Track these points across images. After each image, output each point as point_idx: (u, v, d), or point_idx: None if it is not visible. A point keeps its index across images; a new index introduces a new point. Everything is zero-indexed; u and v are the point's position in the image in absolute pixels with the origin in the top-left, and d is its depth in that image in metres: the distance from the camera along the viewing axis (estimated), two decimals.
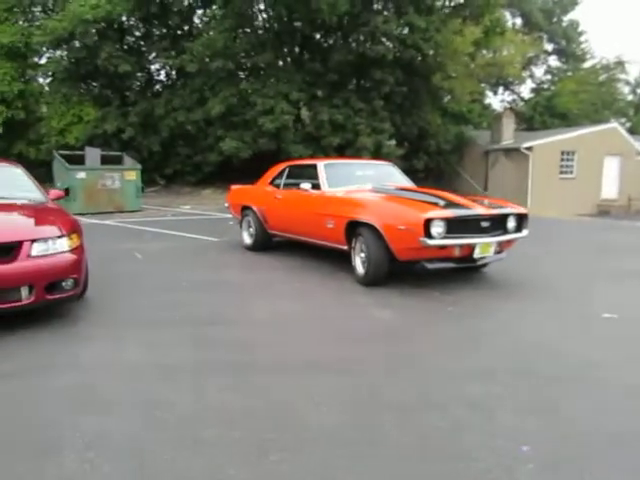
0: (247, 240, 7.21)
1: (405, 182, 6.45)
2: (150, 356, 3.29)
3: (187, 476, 2.03)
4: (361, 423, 2.45)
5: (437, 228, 4.60)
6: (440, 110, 24.38)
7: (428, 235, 4.57)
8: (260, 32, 18.93)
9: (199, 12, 21.09)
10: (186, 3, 20.81)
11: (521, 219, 5.32)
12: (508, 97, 32.06)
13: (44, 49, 19.18)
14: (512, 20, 27.33)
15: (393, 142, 21.34)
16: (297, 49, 20.36)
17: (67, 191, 11.76)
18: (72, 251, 3.92)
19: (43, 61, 20.28)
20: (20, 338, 3.53)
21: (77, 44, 18.14)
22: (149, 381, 2.90)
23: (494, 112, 25.34)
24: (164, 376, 2.97)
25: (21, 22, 19.66)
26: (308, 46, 20.57)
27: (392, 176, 6.50)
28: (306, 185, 5.89)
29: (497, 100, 39.05)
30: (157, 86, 21.59)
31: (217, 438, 2.29)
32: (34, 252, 3.69)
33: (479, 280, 5.52)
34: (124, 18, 19.50)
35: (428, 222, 4.54)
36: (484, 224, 4.90)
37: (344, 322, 4.05)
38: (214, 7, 19.10)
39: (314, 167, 6.16)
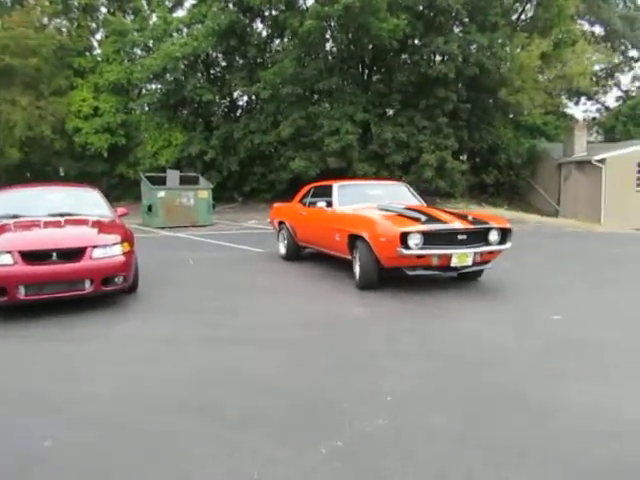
0: (282, 250, 8.36)
1: (413, 201, 7.25)
2: (166, 332, 4.49)
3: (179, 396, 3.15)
4: (287, 374, 3.43)
5: (414, 240, 5.42)
6: (512, 124, 24.27)
7: (405, 246, 5.41)
8: (327, 58, 20.27)
9: (276, 42, 22.96)
10: (264, 34, 22.85)
11: (505, 233, 5.95)
12: (591, 107, 30.87)
13: (142, 84, 21.92)
14: (590, 29, 26.53)
15: (463, 157, 21.70)
16: (362, 72, 21.48)
17: (150, 207, 13.75)
18: (123, 255, 5.27)
19: (140, 92, 23.18)
20: (82, 317, 4.90)
21: (168, 78, 20.60)
22: (156, 348, 4.09)
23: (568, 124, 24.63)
24: (168, 344, 4.15)
25: (125, 62, 22.67)
26: (372, 68, 21.65)
27: (402, 195, 7.33)
28: (321, 203, 6.94)
29: (579, 110, 37.43)
30: (238, 111, 23.70)
31: (191, 382, 3.40)
32: (95, 255, 5.06)
33: (467, 288, 6.19)
34: (210, 52, 21.83)
35: (404, 235, 5.38)
36: (460, 237, 5.62)
37: (321, 315, 5.03)
38: (285, 39, 20.78)
39: (330, 188, 7.18)
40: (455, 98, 19.68)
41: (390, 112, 21.35)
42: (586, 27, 26.27)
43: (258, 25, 22.12)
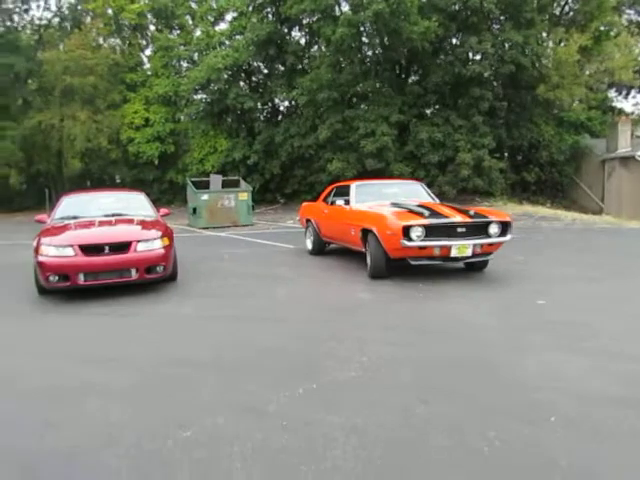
0: (309, 246, 9.10)
1: (427, 198, 7.80)
2: (196, 312, 5.33)
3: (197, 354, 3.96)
4: (287, 342, 4.16)
5: (416, 232, 6.03)
6: (555, 120, 23.98)
7: (408, 238, 6.01)
8: (362, 62, 20.89)
9: (314, 48, 23.79)
10: (302, 42, 23.77)
11: (505, 226, 6.43)
12: None
13: (188, 95, 23.31)
14: (637, 19, 25.69)
15: (502, 156, 21.67)
16: (398, 74, 21.95)
17: (195, 210, 14.85)
18: (163, 248, 6.16)
19: (187, 103, 24.60)
20: (129, 299, 5.82)
21: (212, 88, 21.84)
22: (187, 322, 4.92)
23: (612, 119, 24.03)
24: (196, 320, 4.97)
25: (172, 75, 24.17)
26: (409, 70, 22.08)
27: (417, 193, 7.90)
28: (340, 201, 7.63)
29: (629, 104, 36.01)
30: (279, 117, 24.71)
31: (211, 346, 4.19)
32: (139, 248, 5.98)
33: (470, 278, 6.70)
34: (251, 61, 22.94)
35: (406, 228, 6.00)
36: (460, 230, 6.17)
37: (329, 299, 5.74)
38: (322, 47, 21.57)
39: (349, 187, 7.86)
40: (491, 96, 19.82)
41: (426, 112, 21.69)
42: (632, 17, 25.52)
43: (296, 34, 23.06)
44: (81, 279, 5.71)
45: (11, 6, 26.54)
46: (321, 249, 8.82)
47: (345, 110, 20.37)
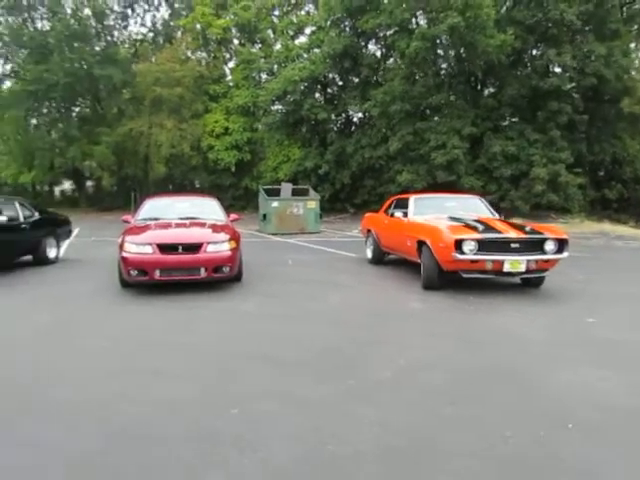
0: (369, 255, 9.41)
1: (486, 213, 7.86)
2: (255, 309, 5.82)
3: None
4: (333, 342, 4.52)
5: (468, 246, 6.17)
6: None
7: (460, 251, 6.18)
8: (436, 75, 20.92)
9: (389, 61, 24.10)
10: (378, 54, 24.18)
11: (562, 243, 6.42)
12: None
13: (266, 105, 24.41)
14: None
15: (581, 171, 20.81)
16: (473, 86, 21.74)
17: (265, 216, 15.60)
18: (230, 250, 6.73)
19: (264, 113, 25.74)
20: (197, 294, 6.42)
21: (288, 99, 22.75)
22: (244, 318, 5.41)
23: None
24: (253, 317, 5.45)
25: (252, 87, 25.41)
26: (482, 83, 21.81)
27: (475, 208, 7.98)
28: (399, 213, 7.89)
29: None
30: (352, 128, 25.22)
31: (263, 340, 4.65)
32: (209, 249, 6.58)
33: (525, 293, 6.72)
34: (327, 73, 23.66)
35: (459, 242, 6.16)
36: (514, 245, 6.24)
37: (381, 307, 6.02)
38: (398, 60, 21.84)
39: (408, 200, 8.10)
40: (570, 110, 19.17)
41: (501, 125, 21.31)
42: None
43: (371, 47, 23.51)
44: (157, 274, 6.39)
45: (112, 23, 29.15)
46: (380, 259, 9.09)
47: (417, 122, 20.49)
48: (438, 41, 19.25)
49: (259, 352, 4.31)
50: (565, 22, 17.84)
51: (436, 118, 21.09)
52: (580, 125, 20.15)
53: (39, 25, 27.38)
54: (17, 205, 8.74)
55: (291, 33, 25.90)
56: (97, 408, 3.22)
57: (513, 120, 21.01)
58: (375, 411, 3.17)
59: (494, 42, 17.53)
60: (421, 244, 6.95)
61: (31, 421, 3.04)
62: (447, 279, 6.74)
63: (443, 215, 7.52)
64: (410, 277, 7.70)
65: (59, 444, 2.79)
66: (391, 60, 23.87)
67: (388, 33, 21.58)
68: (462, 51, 19.10)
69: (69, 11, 26.54)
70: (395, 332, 4.93)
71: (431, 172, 20.06)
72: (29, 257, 8.92)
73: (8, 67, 28.07)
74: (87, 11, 27.17)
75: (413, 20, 20.94)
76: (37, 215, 9.10)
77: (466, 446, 2.75)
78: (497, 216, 7.94)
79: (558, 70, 19.14)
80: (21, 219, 8.58)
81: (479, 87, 22.08)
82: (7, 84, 28.04)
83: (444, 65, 21.10)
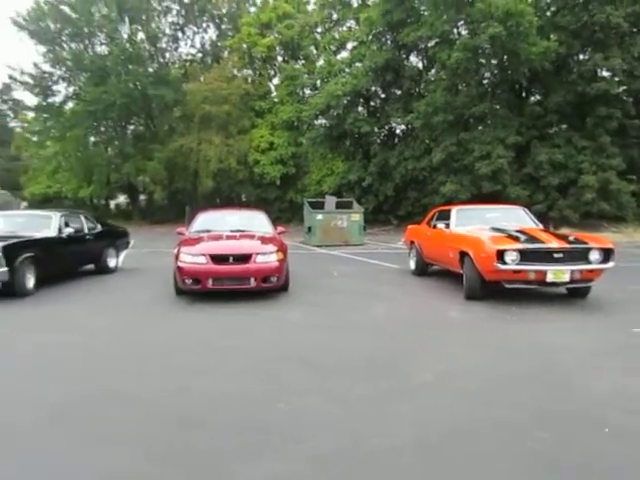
0: (412, 266, 9.55)
1: (529, 223, 7.88)
2: (299, 318, 6.12)
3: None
4: (373, 351, 4.74)
5: (510, 257, 6.26)
6: None
7: (502, 262, 6.27)
8: (479, 85, 20.84)
9: (431, 72, 24.18)
10: (420, 66, 24.32)
11: (607, 253, 6.39)
12: None
13: (309, 120, 24.97)
14: None
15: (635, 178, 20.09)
16: (517, 95, 21.50)
17: (310, 228, 15.97)
18: (278, 261, 7.07)
19: (308, 127, 26.30)
20: (246, 303, 6.78)
21: (332, 113, 23.19)
22: (288, 326, 5.72)
23: None
24: (296, 325, 5.75)
25: (296, 102, 26.06)
26: (526, 91, 21.53)
27: (518, 219, 8.01)
28: (441, 225, 8.03)
29: None
30: (394, 140, 25.38)
31: (305, 346, 4.92)
32: (258, 260, 6.95)
33: (570, 303, 6.71)
34: (370, 87, 23.97)
35: (501, 252, 6.25)
36: (557, 255, 6.27)
37: (424, 316, 6.19)
38: (440, 71, 21.91)
39: (450, 211, 8.22)
40: (620, 114, 18.68)
41: (547, 133, 20.94)
42: None
43: (413, 59, 23.68)
44: (210, 283, 6.80)
45: (164, 45, 30.64)
46: (424, 270, 9.22)
47: (460, 132, 20.43)
48: (480, 51, 19.22)
49: (303, 356, 4.57)
50: (612, 25, 17.46)
51: (480, 128, 20.97)
52: (632, 130, 19.56)
53: (98, 50, 29.10)
54: (82, 218, 9.50)
55: (333, 48, 26.44)
56: (163, 401, 3.57)
57: (560, 127, 20.60)
58: (411, 410, 3.38)
59: (537, 49, 17.36)
60: (463, 255, 7.06)
61: (120, 405, 3.42)
62: (490, 290, 6.82)
63: (485, 226, 7.60)
64: (453, 288, 7.81)
65: (140, 432, 3.14)
66: (433, 71, 23.97)
67: (429, 45, 21.74)
68: (505, 59, 19.00)
69: (125, 36, 28.13)
70: (436, 341, 5.09)
71: (475, 182, 19.92)
72: (91, 266, 9.61)
73: (71, 89, 29.92)
74: (141, 35, 28.72)
75: (454, 31, 21.04)
76: (99, 227, 9.84)
77: (501, 445, 2.91)
78: (541, 226, 7.95)
79: (606, 74, 18.70)
80: (85, 231, 9.31)
81: (523, 95, 21.82)
82: (70, 105, 29.85)
83: (487, 74, 21.02)
